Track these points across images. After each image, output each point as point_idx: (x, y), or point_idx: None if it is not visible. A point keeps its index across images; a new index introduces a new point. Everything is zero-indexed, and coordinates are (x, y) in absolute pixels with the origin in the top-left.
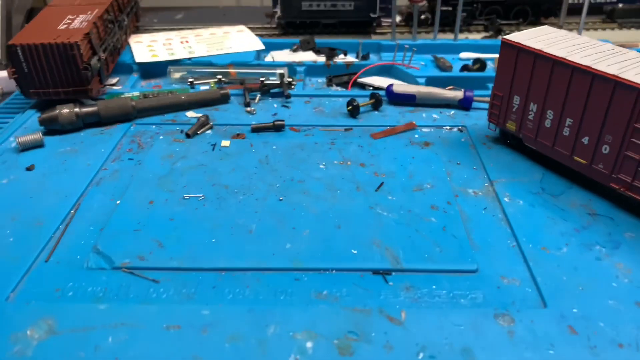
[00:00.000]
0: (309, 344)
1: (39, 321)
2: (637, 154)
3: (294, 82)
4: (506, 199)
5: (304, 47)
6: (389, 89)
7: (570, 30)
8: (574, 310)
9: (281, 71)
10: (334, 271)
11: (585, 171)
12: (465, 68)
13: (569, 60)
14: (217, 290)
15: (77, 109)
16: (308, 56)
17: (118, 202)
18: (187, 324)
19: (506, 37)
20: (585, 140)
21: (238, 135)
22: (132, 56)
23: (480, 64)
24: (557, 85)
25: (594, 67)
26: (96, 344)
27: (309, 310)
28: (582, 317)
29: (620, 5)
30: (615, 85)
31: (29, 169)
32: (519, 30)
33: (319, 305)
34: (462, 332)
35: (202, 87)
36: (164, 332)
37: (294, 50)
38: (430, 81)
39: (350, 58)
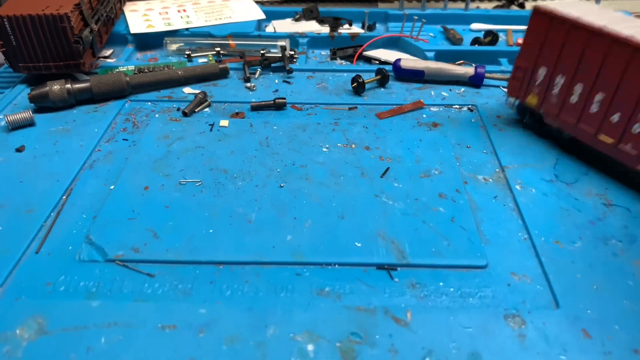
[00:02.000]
0: (310, 347)
1: (28, 319)
2: None
3: (296, 55)
4: (518, 187)
5: (306, 16)
6: (396, 64)
7: None
8: (588, 311)
9: (282, 43)
10: (336, 266)
11: (609, 151)
12: (476, 41)
13: (608, 31)
14: (214, 286)
15: (68, 85)
16: (311, 26)
17: (112, 187)
18: (184, 323)
19: (539, 4)
20: (616, 117)
21: (237, 114)
22: (127, 26)
23: (492, 37)
24: (592, 57)
25: (636, 38)
26: (88, 344)
27: (310, 309)
28: (596, 319)
29: None
30: None
31: (19, 150)
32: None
33: (321, 304)
34: (470, 335)
35: (200, 60)
36: (159, 333)
37: (297, 20)
38: (440, 55)
39: (356, 29)
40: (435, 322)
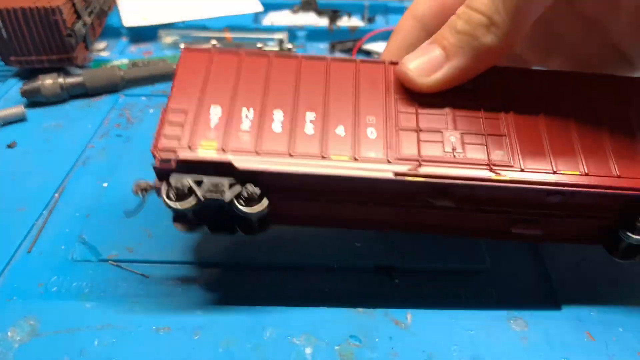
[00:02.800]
0: (308, 350)
1: (20, 321)
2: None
3: (294, 49)
4: None
5: (305, 8)
6: None
7: None
8: (592, 313)
9: (280, 37)
10: (335, 267)
11: None
12: None
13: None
14: (210, 287)
15: (61, 80)
16: (309, 18)
17: (105, 184)
18: (178, 325)
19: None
20: (341, 130)
21: None
22: (121, 19)
23: None
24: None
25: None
26: (81, 347)
27: (308, 311)
28: (600, 321)
29: None
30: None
31: (10, 146)
32: None
33: (320, 306)
34: (472, 338)
35: None
36: (154, 335)
37: (295, 12)
38: None
39: (355, 21)
40: (436, 325)
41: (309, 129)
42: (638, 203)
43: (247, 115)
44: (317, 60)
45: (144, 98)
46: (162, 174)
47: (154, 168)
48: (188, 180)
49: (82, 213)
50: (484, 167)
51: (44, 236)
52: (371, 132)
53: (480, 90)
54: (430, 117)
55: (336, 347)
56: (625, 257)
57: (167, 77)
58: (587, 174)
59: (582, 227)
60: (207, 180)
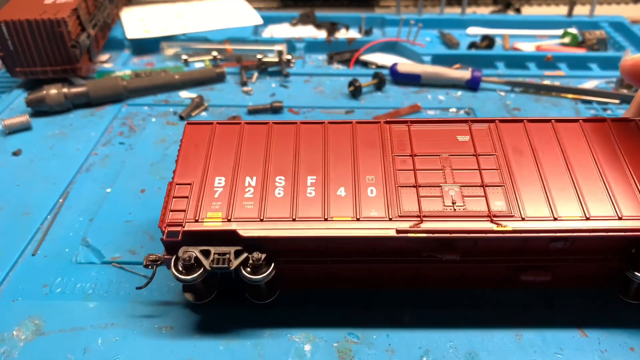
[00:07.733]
0: (307, 347)
1: (25, 320)
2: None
3: (293, 60)
4: None
5: (303, 21)
6: (393, 69)
7: (584, 4)
8: (585, 310)
9: (280, 48)
10: None
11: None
12: (472, 45)
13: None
14: (211, 288)
15: (65, 90)
16: (308, 31)
17: (108, 190)
18: (180, 324)
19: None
20: (342, 192)
21: (234, 117)
22: (124, 31)
23: (489, 41)
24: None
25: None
26: (85, 345)
27: (307, 309)
28: (592, 318)
29: None
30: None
31: (15, 154)
32: (529, 4)
33: (319, 303)
34: (467, 335)
35: (197, 65)
36: (156, 333)
37: (294, 25)
38: (436, 59)
39: (353, 33)
40: (432, 322)
41: (311, 192)
42: None
43: (250, 184)
44: (315, 124)
45: (146, 107)
46: (170, 246)
47: (162, 241)
48: (195, 251)
49: (85, 217)
50: (485, 219)
51: (48, 239)
52: (371, 191)
53: (477, 143)
54: (429, 173)
55: (334, 344)
56: (638, 298)
57: (168, 87)
58: (588, 218)
59: (590, 270)
60: (214, 250)
